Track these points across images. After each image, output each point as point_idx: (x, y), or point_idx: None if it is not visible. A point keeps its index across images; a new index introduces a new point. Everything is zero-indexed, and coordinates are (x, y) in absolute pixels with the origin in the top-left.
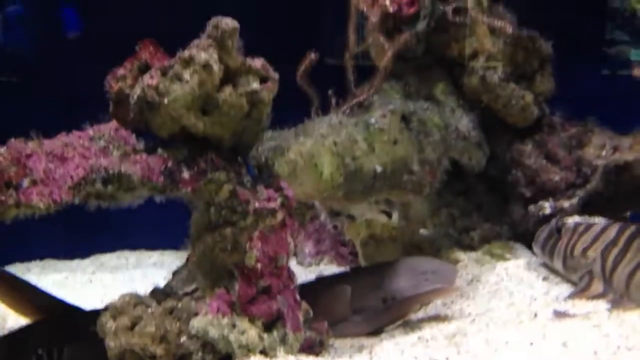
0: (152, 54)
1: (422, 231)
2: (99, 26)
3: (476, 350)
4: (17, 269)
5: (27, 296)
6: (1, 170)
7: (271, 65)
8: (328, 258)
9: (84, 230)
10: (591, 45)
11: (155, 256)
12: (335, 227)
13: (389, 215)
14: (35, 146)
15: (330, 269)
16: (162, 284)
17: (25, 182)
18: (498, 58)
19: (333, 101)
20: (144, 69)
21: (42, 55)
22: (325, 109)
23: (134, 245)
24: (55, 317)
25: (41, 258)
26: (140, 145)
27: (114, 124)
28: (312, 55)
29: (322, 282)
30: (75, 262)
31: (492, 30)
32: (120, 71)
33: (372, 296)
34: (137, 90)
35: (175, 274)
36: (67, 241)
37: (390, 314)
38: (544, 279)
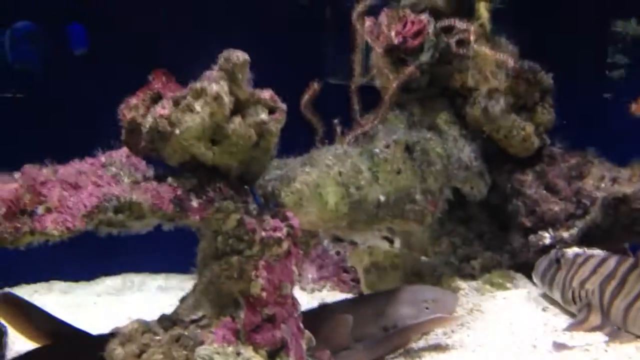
0: (164, 84)
1: (423, 259)
2: (106, 44)
3: None
4: (24, 291)
5: (35, 320)
6: (17, 197)
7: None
8: (331, 284)
9: (89, 253)
10: (592, 69)
11: (159, 279)
12: (337, 253)
13: (391, 241)
14: (50, 173)
15: (333, 294)
16: (167, 308)
17: (40, 210)
18: (500, 90)
19: (338, 129)
20: (156, 98)
21: (49, 71)
22: (329, 132)
23: (138, 268)
24: (62, 342)
25: (47, 280)
26: (150, 172)
27: (125, 150)
28: (316, 85)
29: (324, 310)
30: (81, 285)
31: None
32: (133, 100)
33: (374, 324)
34: (149, 120)
35: (182, 300)
36: (73, 263)
37: (391, 343)
38: (544, 309)
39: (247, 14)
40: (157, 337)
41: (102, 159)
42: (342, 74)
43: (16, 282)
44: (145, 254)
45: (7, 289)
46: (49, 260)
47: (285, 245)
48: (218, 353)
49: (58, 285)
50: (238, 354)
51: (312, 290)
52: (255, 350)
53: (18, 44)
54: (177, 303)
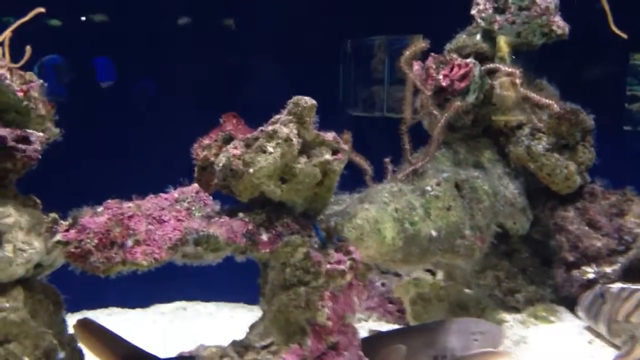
0: (235, 126)
1: (467, 291)
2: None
3: None
4: (87, 316)
5: (111, 344)
6: (107, 229)
7: None
8: (377, 314)
9: (145, 281)
10: (612, 101)
11: (210, 307)
12: (383, 284)
13: (433, 274)
14: (135, 208)
15: (379, 324)
16: (220, 333)
17: (130, 242)
18: (543, 129)
19: (389, 168)
20: (228, 139)
21: (76, 103)
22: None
23: (190, 297)
24: None
25: (106, 307)
26: (217, 208)
27: (194, 187)
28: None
29: (377, 339)
30: (138, 311)
31: (538, 105)
32: (206, 141)
33: (424, 354)
34: (223, 159)
35: (252, 327)
36: (129, 291)
37: None
38: (589, 342)
39: (269, 46)
40: None
41: (175, 194)
42: (363, 106)
43: (78, 309)
44: (197, 283)
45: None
46: (108, 288)
47: (348, 277)
48: None
49: (117, 311)
50: None
51: (359, 320)
52: None
53: (45, 76)
54: (229, 329)
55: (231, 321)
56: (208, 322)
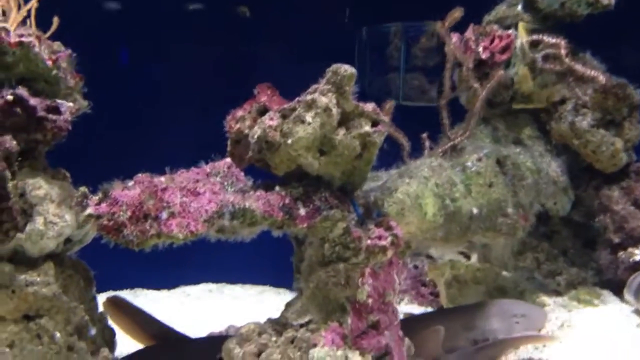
0: (269, 97)
1: (505, 274)
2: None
3: None
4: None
5: (141, 322)
6: (141, 202)
7: None
8: (409, 297)
9: (170, 263)
10: None
11: (236, 289)
12: (415, 267)
13: (467, 257)
14: (168, 181)
15: (411, 307)
16: (247, 314)
17: (164, 214)
18: (587, 105)
19: (427, 144)
20: (262, 111)
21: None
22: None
23: (216, 279)
24: (167, 343)
25: (131, 288)
26: (249, 184)
27: (226, 162)
28: (392, 103)
29: (415, 321)
30: (163, 293)
31: (583, 78)
32: (239, 112)
33: (463, 337)
34: (258, 131)
35: (288, 305)
36: (155, 273)
37: (482, 355)
38: (638, 325)
39: (283, 33)
40: (273, 339)
41: (207, 169)
42: (378, 95)
43: (104, 289)
44: (223, 266)
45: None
46: (133, 269)
47: (389, 253)
48: (330, 356)
49: (143, 292)
50: (346, 357)
51: None
52: (362, 355)
53: None
54: (257, 311)
55: (258, 304)
56: (235, 304)
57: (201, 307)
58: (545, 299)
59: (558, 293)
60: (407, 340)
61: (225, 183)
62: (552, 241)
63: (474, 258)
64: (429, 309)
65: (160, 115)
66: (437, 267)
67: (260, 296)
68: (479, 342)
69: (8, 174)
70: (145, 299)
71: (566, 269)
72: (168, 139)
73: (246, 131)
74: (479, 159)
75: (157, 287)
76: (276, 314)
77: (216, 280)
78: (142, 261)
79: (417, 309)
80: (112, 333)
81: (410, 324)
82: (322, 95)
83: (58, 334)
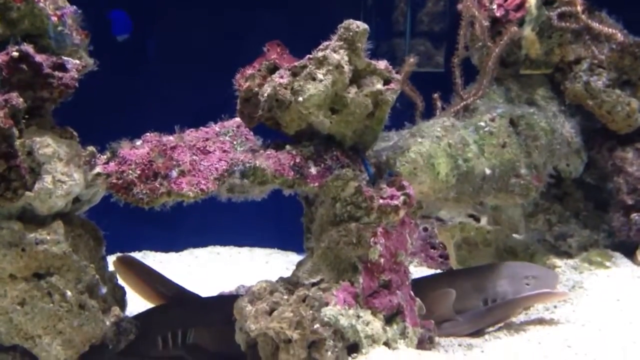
0: (279, 55)
1: (515, 236)
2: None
3: (596, 353)
4: None
5: (151, 281)
6: (150, 160)
7: None
8: (418, 259)
9: (178, 226)
10: None
11: (244, 252)
12: (425, 229)
13: (477, 219)
14: (178, 139)
15: (420, 270)
16: (255, 277)
17: (174, 173)
18: (603, 64)
19: (439, 104)
20: (272, 69)
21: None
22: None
23: (224, 242)
24: (177, 303)
25: (139, 250)
26: (258, 143)
27: (235, 121)
28: (412, 60)
29: (425, 282)
30: (172, 255)
31: (598, 36)
32: (249, 71)
33: (474, 298)
34: (268, 89)
35: (299, 264)
36: (163, 236)
37: (493, 316)
38: None
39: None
40: (285, 297)
41: (216, 128)
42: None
43: (112, 252)
44: (230, 229)
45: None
46: (141, 232)
47: (401, 213)
48: (342, 314)
49: (151, 255)
50: (358, 316)
51: None
52: (374, 314)
53: None
54: (265, 273)
55: (266, 266)
56: (243, 266)
57: (209, 269)
58: (556, 261)
59: (569, 255)
60: (418, 301)
61: (235, 142)
62: (564, 203)
63: (484, 220)
64: (438, 272)
65: (167, 74)
66: (447, 229)
67: (267, 258)
68: (489, 303)
69: (15, 131)
70: (154, 261)
71: (578, 231)
72: (175, 100)
73: (256, 89)
74: (492, 119)
75: (165, 249)
76: (284, 276)
77: (223, 243)
78: (150, 224)
79: (426, 271)
80: (123, 292)
81: (421, 285)
82: (333, 52)
83: (69, 292)
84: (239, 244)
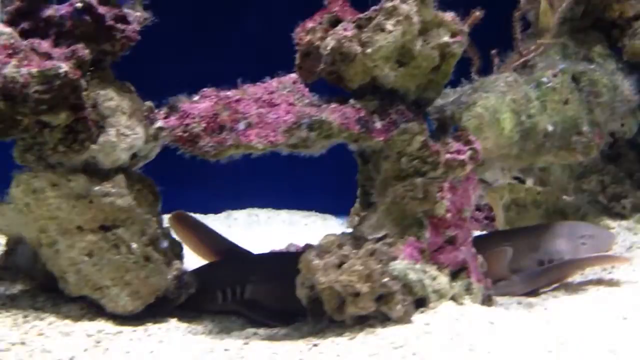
0: (341, 7)
1: (565, 197)
2: None
3: None
4: None
5: (205, 237)
6: (215, 113)
7: None
8: None
9: (216, 188)
10: None
11: (283, 214)
12: None
13: (522, 182)
14: (241, 93)
15: None
16: (296, 239)
17: (242, 125)
18: None
19: (496, 60)
20: (335, 22)
21: None
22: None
23: (262, 204)
24: (233, 259)
25: None
26: (315, 99)
27: (292, 77)
28: (477, 13)
29: (482, 240)
30: (211, 217)
31: None
32: (310, 24)
33: (529, 257)
34: (331, 42)
35: (362, 219)
36: (201, 197)
37: (549, 276)
38: None
39: None
40: (354, 251)
41: (274, 84)
42: None
43: None
44: (268, 190)
45: None
46: (179, 194)
47: (468, 168)
48: (410, 269)
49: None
50: (424, 271)
51: None
52: (439, 269)
53: None
54: (306, 235)
55: (306, 228)
56: (283, 228)
57: (251, 230)
58: (609, 222)
59: (623, 216)
60: (480, 257)
61: (293, 98)
62: (617, 164)
63: (529, 182)
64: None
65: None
66: (495, 190)
67: (306, 220)
68: (544, 263)
69: (84, 82)
70: None
71: (632, 192)
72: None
73: (317, 43)
74: (555, 75)
75: (204, 211)
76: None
77: (262, 205)
78: (188, 186)
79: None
80: (180, 247)
81: (477, 242)
82: (403, 2)
83: (135, 245)
84: (277, 206)
